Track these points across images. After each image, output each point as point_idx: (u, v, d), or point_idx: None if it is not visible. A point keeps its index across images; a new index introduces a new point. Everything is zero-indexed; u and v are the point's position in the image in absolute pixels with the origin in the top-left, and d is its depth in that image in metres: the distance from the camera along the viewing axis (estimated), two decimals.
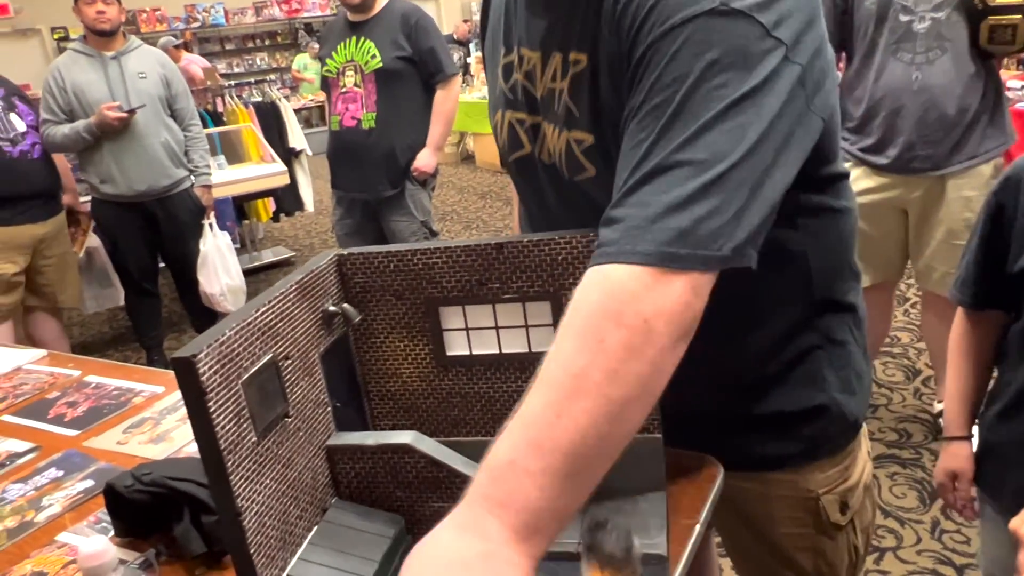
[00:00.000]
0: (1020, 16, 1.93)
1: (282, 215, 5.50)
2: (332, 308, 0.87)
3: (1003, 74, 2.23)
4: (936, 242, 2.19)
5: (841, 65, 2.29)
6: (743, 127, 0.65)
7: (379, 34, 2.96)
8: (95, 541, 0.85)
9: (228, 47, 11.16)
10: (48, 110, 3.25)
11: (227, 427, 0.67)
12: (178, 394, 1.34)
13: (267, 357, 0.74)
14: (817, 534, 0.98)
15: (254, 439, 0.71)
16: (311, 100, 10.13)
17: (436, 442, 0.86)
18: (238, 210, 5.12)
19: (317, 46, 9.65)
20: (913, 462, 2.35)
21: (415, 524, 0.86)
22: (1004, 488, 1.18)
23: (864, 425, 1.00)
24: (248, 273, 4.35)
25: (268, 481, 0.73)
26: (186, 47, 8.13)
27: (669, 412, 0.84)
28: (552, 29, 0.84)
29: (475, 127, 7.63)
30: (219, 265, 3.63)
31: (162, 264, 3.72)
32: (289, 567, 0.76)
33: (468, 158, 8.60)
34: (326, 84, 3.15)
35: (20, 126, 3.08)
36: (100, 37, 3.29)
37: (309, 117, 10.36)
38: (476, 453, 0.68)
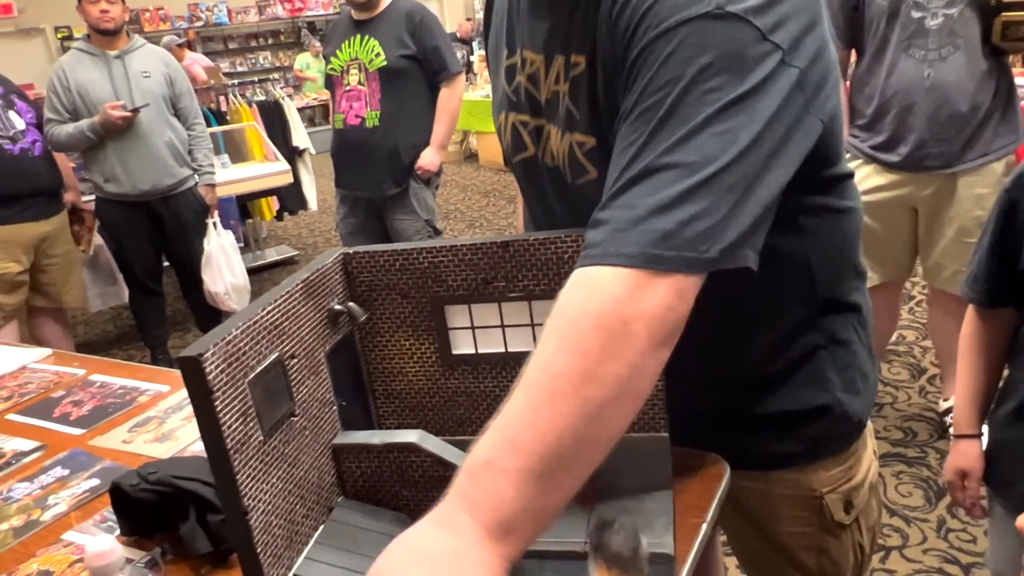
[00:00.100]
0: None
1: (286, 214, 5.51)
2: (338, 307, 0.86)
3: (1015, 71, 2.22)
4: (947, 240, 2.18)
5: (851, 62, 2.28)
6: (735, 130, 0.65)
7: (383, 32, 2.96)
8: (101, 540, 0.85)
9: (231, 46, 11.17)
10: (52, 109, 3.25)
11: (233, 426, 0.67)
12: (183, 393, 1.34)
13: (273, 356, 0.74)
14: (821, 533, 0.98)
15: (260, 438, 0.71)
16: (314, 99, 10.13)
17: (442, 441, 0.86)
18: (242, 209, 5.14)
19: (318, 44, 9.71)
20: (919, 460, 2.35)
21: None
22: (1013, 487, 1.18)
23: (869, 424, 1.00)
24: (252, 272, 4.36)
25: (274, 480, 0.73)
26: (189, 46, 8.14)
27: (672, 411, 0.84)
28: (554, 31, 0.84)
29: (478, 125, 7.62)
30: (223, 264, 3.63)
31: (166, 263, 3.72)
32: (295, 566, 0.76)
33: (471, 156, 8.60)
34: (330, 82, 3.15)
35: (19, 124, 3.07)
36: (104, 36, 3.29)
37: (312, 116, 10.36)
38: None
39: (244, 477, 0.68)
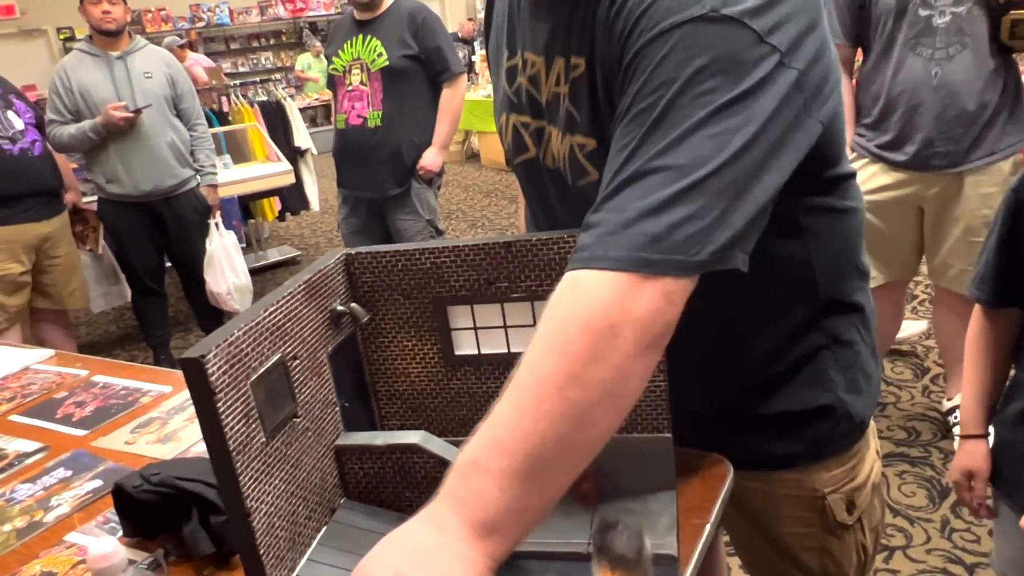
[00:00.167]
0: None
1: (288, 214, 5.51)
2: (340, 308, 0.86)
3: (1022, 69, 2.21)
4: (953, 239, 2.17)
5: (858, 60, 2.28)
6: (729, 132, 0.65)
7: (386, 32, 2.96)
8: (104, 542, 0.84)
9: (233, 46, 11.18)
10: (54, 110, 3.25)
11: (236, 427, 0.67)
12: (185, 393, 1.34)
13: (275, 357, 0.74)
14: (824, 534, 0.98)
15: (263, 439, 0.71)
16: (316, 99, 10.14)
17: (445, 442, 0.85)
18: (244, 209, 5.14)
19: (319, 44, 9.71)
20: (922, 460, 2.34)
21: None
22: (1019, 487, 1.17)
23: (872, 423, 1.00)
24: (254, 272, 4.36)
25: (277, 482, 0.73)
26: (191, 47, 8.15)
27: (674, 411, 0.84)
28: (554, 33, 0.84)
29: (480, 125, 7.62)
30: (225, 264, 3.64)
31: (168, 264, 3.73)
32: (298, 568, 0.76)
33: (473, 156, 8.60)
34: (332, 82, 3.15)
35: (18, 124, 3.06)
36: (106, 37, 3.29)
37: (314, 116, 10.37)
38: None
39: (247, 479, 0.68)
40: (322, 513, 0.82)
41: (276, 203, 5.29)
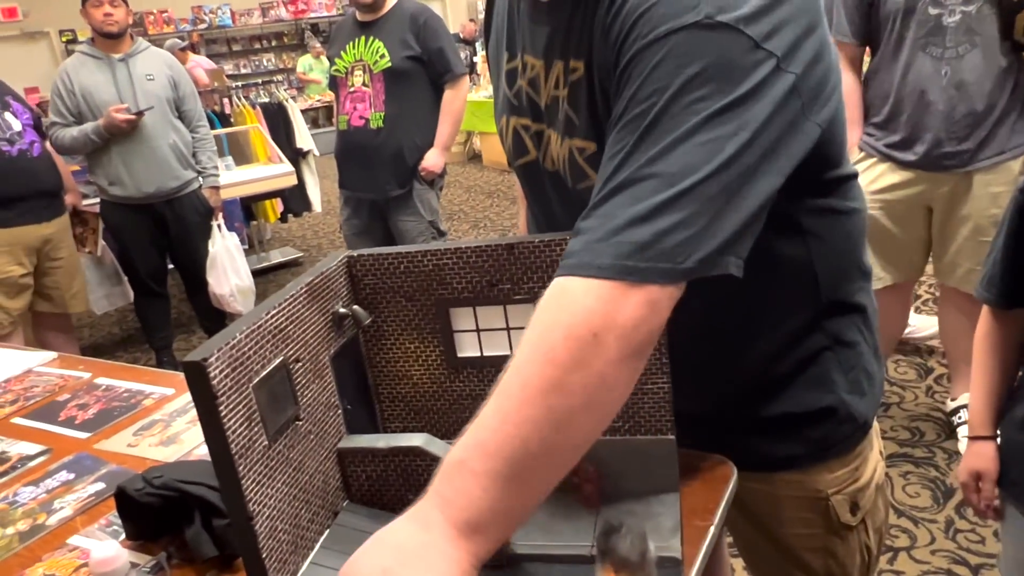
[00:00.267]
0: None
1: (290, 216, 5.51)
2: (342, 310, 0.86)
3: None
4: (962, 238, 2.16)
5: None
6: (720, 140, 0.65)
7: (388, 34, 2.96)
8: (107, 546, 0.84)
9: (235, 48, 11.20)
10: (57, 113, 3.26)
11: (238, 431, 0.66)
12: (188, 396, 1.34)
13: (278, 360, 0.74)
14: (827, 534, 0.98)
15: (265, 442, 0.71)
16: (318, 100, 10.15)
17: (447, 444, 0.85)
18: (246, 211, 5.14)
19: (319, 46, 9.72)
20: (926, 461, 2.34)
21: None
22: None
23: (876, 424, 0.99)
24: (256, 274, 4.36)
25: (279, 485, 0.73)
26: (193, 48, 8.16)
27: (677, 413, 0.84)
28: (553, 37, 0.84)
29: (482, 126, 7.62)
30: (228, 266, 3.64)
31: (171, 265, 3.73)
32: (301, 571, 0.76)
33: (475, 157, 8.60)
34: (334, 84, 3.15)
35: (16, 125, 3.05)
36: (108, 39, 3.29)
37: (316, 117, 10.38)
38: None
39: (249, 482, 0.68)
40: (325, 516, 0.82)
41: (278, 205, 5.29)
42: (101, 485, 1.16)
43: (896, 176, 2.19)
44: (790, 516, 0.97)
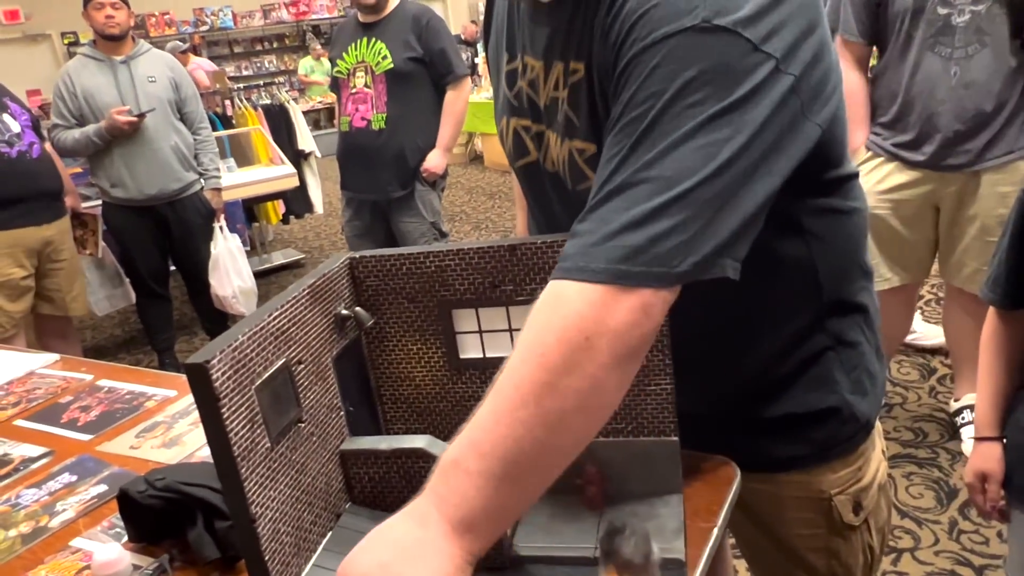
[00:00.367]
0: None
1: (292, 217, 5.52)
2: (344, 312, 0.86)
3: None
4: (969, 238, 2.16)
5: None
6: (716, 144, 0.65)
7: (390, 35, 2.96)
8: (110, 549, 0.84)
9: (236, 50, 11.21)
10: (59, 115, 3.26)
11: (240, 433, 0.66)
12: (190, 398, 1.34)
13: (280, 362, 0.74)
14: (830, 535, 0.98)
15: (267, 445, 0.71)
16: (319, 102, 10.15)
17: (446, 449, 0.85)
18: (248, 213, 5.15)
19: (319, 48, 9.72)
20: (929, 462, 2.33)
21: None
22: None
23: (878, 423, 0.99)
24: (258, 275, 4.36)
25: (282, 487, 0.73)
26: (194, 50, 8.17)
27: (679, 414, 0.84)
28: (553, 38, 0.84)
29: (483, 127, 7.63)
30: (230, 268, 3.64)
31: (173, 267, 3.73)
32: (303, 573, 0.76)
33: (477, 158, 8.61)
34: (336, 85, 3.16)
35: (15, 127, 3.03)
36: (109, 42, 3.30)
37: (318, 119, 10.38)
38: None
39: (252, 484, 0.67)
40: (327, 518, 0.82)
41: (280, 206, 5.29)
42: (103, 487, 1.16)
43: (904, 176, 2.18)
44: (793, 516, 0.97)
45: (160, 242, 3.53)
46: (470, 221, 6.09)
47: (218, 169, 3.63)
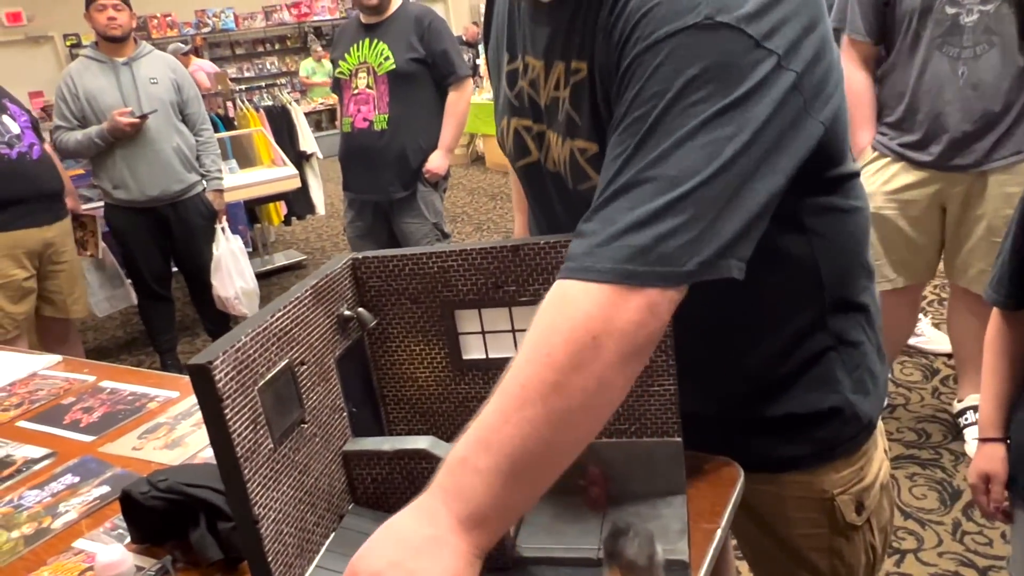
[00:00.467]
0: None
1: (293, 218, 5.52)
2: (347, 312, 0.86)
3: None
4: (975, 238, 2.15)
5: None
6: (720, 142, 0.65)
7: (392, 36, 2.96)
8: (112, 550, 0.84)
9: (238, 51, 11.23)
10: (61, 116, 3.26)
11: (243, 434, 0.66)
12: (193, 399, 1.34)
13: (283, 363, 0.74)
14: (833, 535, 0.97)
15: (270, 446, 0.70)
16: (321, 103, 10.16)
17: (453, 447, 0.85)
18: (250, 214, 5.15)
19: (320, 49, 9.73)
20: (932, 463, 2.33)
21: None
22: None
23: (880, 423, 0.99)
24: (260, 277, 4.37)
25: (285, 488, 0.72)
26: (196, 52, 8.18)
27: (681, 414, 0.84)
28: (554, 38, 0.84)
29: (485, 128, 7.63)
30: (232, 269, 3.64)
31: (175, 268, 3.73)
32: (306, 574, 0.75)
33: (478, 159, 8.61)
34: (338, 86, 3.16)
35: (14, 128, 3.03)
36: (111, 43, 3.30)
37: (319, 120, 10.40)
38: None
39: (254, 485, 0.67)
40: (330, 519, 0.82)
41: (282, 207, 5.30)
42: (106, 488, 1.16)
43: (911, 176, 2.18)
44: (795, 516, 0.97)
45: (162, 243, 3.53)
46: (472, 222, 6.09)
47: (220, 170, 3.64)
